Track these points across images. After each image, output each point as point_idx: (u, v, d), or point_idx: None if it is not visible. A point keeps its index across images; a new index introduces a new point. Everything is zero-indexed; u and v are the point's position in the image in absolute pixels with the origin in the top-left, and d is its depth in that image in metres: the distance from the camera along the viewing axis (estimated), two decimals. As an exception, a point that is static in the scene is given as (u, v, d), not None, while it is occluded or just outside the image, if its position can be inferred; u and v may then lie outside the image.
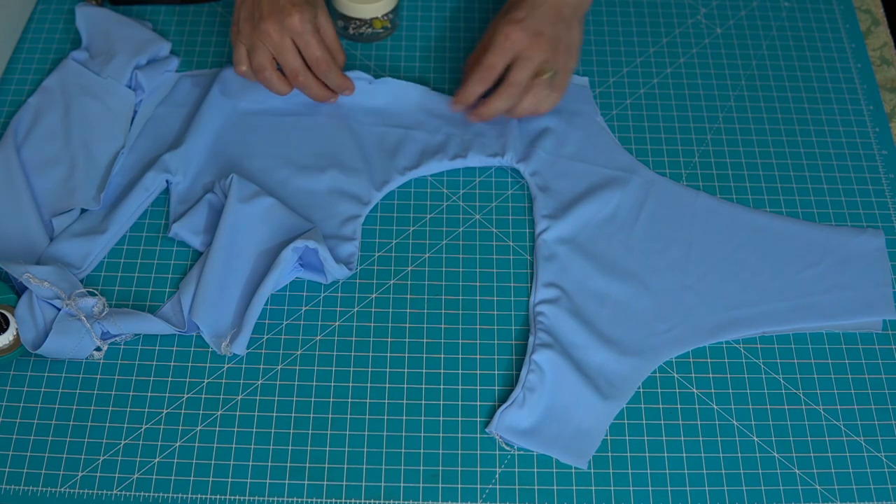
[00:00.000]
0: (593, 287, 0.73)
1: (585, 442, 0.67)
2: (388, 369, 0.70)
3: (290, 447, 0.67)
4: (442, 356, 0.71)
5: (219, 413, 0.68)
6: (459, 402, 0.69)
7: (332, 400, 0.69)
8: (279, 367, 0.70)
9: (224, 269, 0.71)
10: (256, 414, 0.68)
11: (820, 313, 0.73)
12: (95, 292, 0.71)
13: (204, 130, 0.79)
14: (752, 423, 0.69)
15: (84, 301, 0.69)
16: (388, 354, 0.71)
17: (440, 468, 0.67)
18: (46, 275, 0.69)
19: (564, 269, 0.74)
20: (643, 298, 0.73)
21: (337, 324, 0.72)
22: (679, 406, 0.69)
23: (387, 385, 0.70)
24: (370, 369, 0.70)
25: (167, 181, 0.77)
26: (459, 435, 0.68)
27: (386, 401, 0.69)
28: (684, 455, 0.67)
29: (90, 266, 0.74)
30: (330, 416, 0.68)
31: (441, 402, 0.69)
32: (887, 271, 0.75)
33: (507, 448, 0.67)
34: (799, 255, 0.76)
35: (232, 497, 0.65)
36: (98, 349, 0.70)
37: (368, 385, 0.70)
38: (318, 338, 0.72)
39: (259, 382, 0.70)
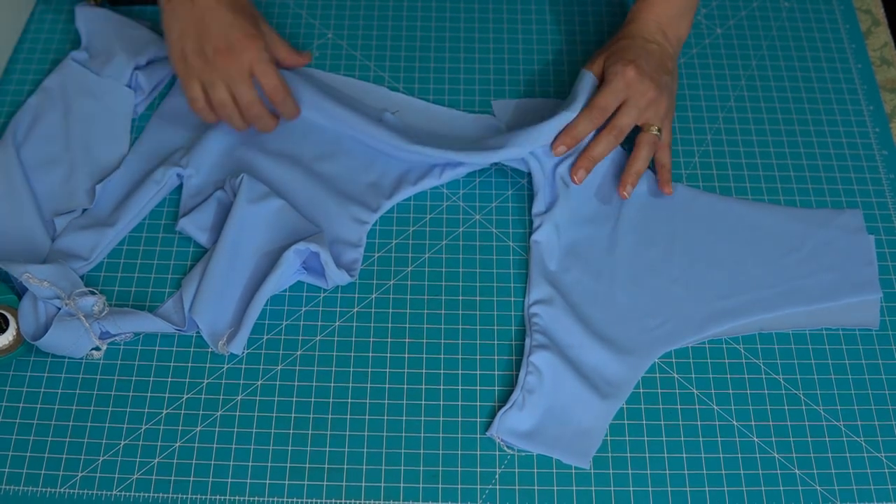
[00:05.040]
0: (584, 287, 0.74)
1: (586, 442, 0.67)
2: (387, 369, 0.70)
3: (289, 447, 0.67)
4: (442, 356, 0.71)
5: (218, 413, 0.68)
6: (459, 403, 0.69)
7: (331, 400, 0.69)
8: (279, 368, 0.70)
9: (227, 267, 0.71)
10: (256, 414, 0.68)
11: (808, 297, 0.73)
12: (95, 291, 0.71)
13: (221, 127, 0.79)
14: (752, 423, 0.69)
15: (84, 300, 0.69)
16: (388, 355, 0.71)
17: (440, 469, 0.67)
18: (46, 274, 0.69)
19: (557, 268, 0.74)
20: (632, 295, 0.73)
21: (337, 324, 0.72)
22: (679, 406, 0.69)
23: (387, 385, 0.70)
24: (370, 369, 0.70)
25: (179, 175, 0.77)
26: (459, 436, 0.68)
27: (386, 401, 0.69)
28: (684, 455, 0.67)
29: (98, 258, 0.74)
30: (330, 416, 0.68)
31: (441, 403, 0.69)
32: (870, 250, 0.75)
33: (509, 451, 0.67)
34: (781, 241, 0.76)
35: (232, 497, 0.65)
36: (97, 349, 0.70)
37: (368, 385, 0.70)
38: (318, 338, 0.72)
39: (259, 383, 0.70)
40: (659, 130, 0.76)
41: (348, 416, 0.68)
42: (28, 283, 0.69)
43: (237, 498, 0.65)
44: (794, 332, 0.73)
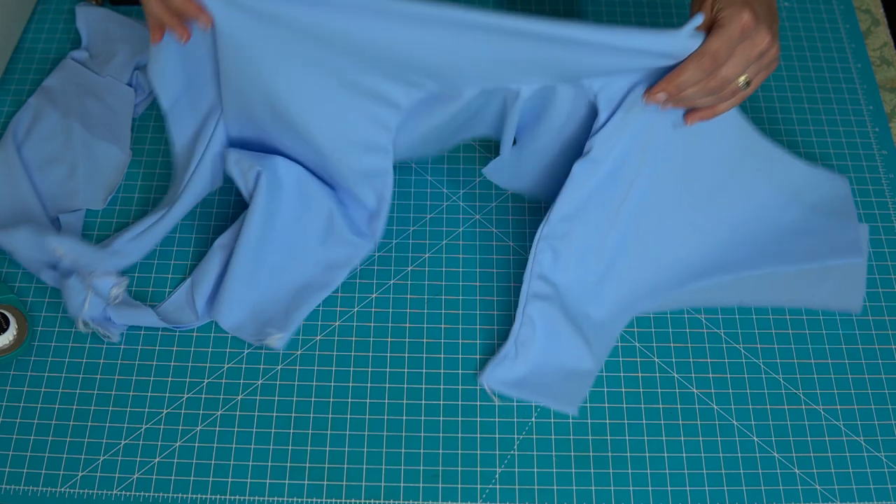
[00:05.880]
0: (579, 236, 0.72)
1: (575, 387, 0.68)
2: (388, 369, 0.70)
3: (290, 447, 0.67)
4: (442, 356, 0.71)
5: (219, 413, 0.68)
6: (459, 403, 0.69)
7: (332, 400, 0.69)
8: (279, 367, 0.70)
9: (252, 269, 0.71)
10: (256, 414, 0.68)
11: (792, 258, 0.73)
12: (123, 276, 0.71)
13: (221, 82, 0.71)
14: (752, 423, 0.69)
15: (105, 279, 0.70)
16: (388, 354, 0.71)
17: (440, 468, 0.67)
18: (73, 248, 0.71)
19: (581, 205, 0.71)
20: (621, 247, 0.73)
21: (337, 324, 0.72)
22: (679, 406, 0.69)
23: (387, 385, 0.70)
24: (370, 369, 0.70)
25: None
26: (459, 435, 0.68)
27: (386, 401, 0.69)
28: (684, 455, 0.67)
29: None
30: (330, 416, 0.69)
31: (441, 403, 0.69)
32: (854, 217, 0.76)
33: (495, 399, 0.68)
34: (768, 202, 0.76)
35: (232, 497, 0.65)
36: (85, 324, 0.70)
37: (368, 385, 0.70)
38: (318, 338, 0.72)
39: (259, 382, 0.70)
40: (748, 83, 0.66)
41: (348, 416, 0.69)
42: (59, 258, 0.70)
43: (237, 497, 0.65)
44: (793, 332, 0.73)
